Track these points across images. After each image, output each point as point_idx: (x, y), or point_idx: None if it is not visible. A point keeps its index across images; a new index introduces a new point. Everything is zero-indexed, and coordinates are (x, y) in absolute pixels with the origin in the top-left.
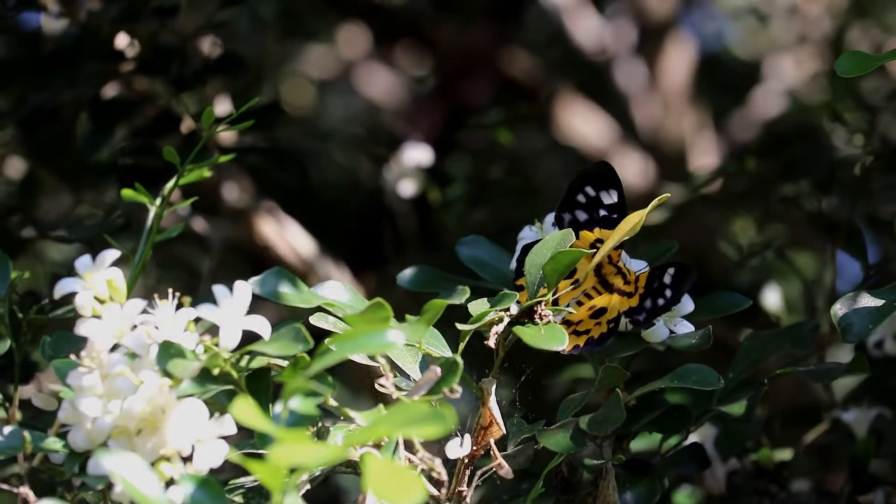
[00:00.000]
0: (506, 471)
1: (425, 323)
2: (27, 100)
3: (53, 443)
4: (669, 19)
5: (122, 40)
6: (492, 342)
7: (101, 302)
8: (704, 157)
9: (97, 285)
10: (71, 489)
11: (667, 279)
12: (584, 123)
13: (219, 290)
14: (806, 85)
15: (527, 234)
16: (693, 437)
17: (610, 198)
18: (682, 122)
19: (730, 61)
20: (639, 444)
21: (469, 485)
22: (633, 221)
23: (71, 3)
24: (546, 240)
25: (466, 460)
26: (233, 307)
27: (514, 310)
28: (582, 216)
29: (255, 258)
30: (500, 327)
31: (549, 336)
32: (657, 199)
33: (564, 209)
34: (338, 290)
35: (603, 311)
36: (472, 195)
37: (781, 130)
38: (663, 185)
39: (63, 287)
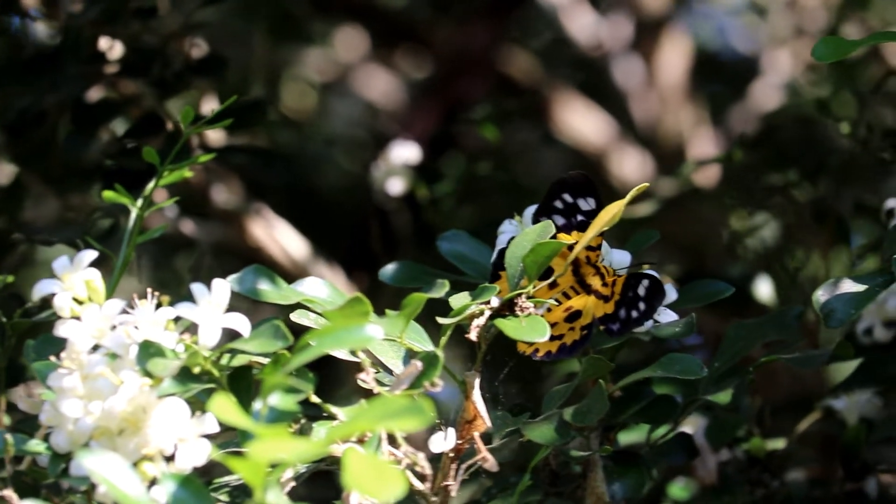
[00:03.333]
0: (491, 464)
1: (405, 317)
2: (10, 104)
3: (36, 445)
4: (665, 14)
5: (105, 43)
6: (473, 335)
7: (80, 303)
8: (703, 151)
9: (75, 286)
10: (59, 492)
11: (641, 290)
12: (581, 120)
13: (197, 288)
14: (804, 77)
15: (507, 228)
16: (687, 428)
17: (588, 205)
18: (679, 117)
19: (728, 55)
20: (630, 436)
21: (455, 479)
22: (612, 212)
23: (52, 6)
24: (526, 232)
25: (451, 454)
26: (211, 305)
27: (495, 303)
28: (559, 220)
29: (247, 260)
30: (481, 320)
31: (531, 328)
32: (635, 188)
33: (542, 213)
34: (317, 287)
35: (578, 314)
36: (461, 192)
37: (777, 122)
38: (662, 181)
39: (41, 288)
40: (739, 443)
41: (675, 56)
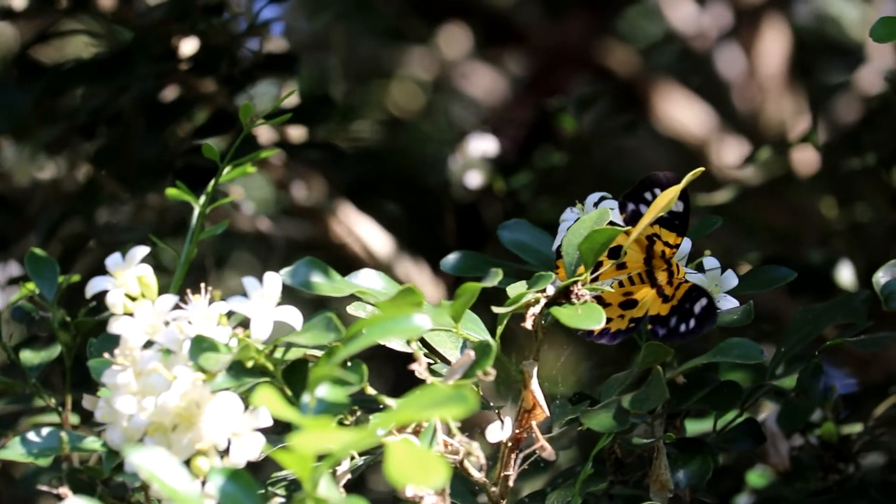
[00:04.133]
0: (549, 453)
1: (460, 307)
2: (83, 105)
3: (92, 442)
4: (764, 2)
5: (185, 42)
6: (528, 324)
7: (133, 299)
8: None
9: (128, 283)
10: (118, 489)
11: (696, 308)
12: (682, 111)
13: (248, 282)
14: None
15: (568, 216)
16: (763, 415)
17: (676, 206)
18: (781, 106)
19: (835, 43)
20: (702, 424)
21: (514, 468)
22: (668, 197)
23: (126, 6)
24: (583, 219)
25: (510, 444)
26: (263, 299)
27: (551, 291)
28: (645, 209)
29: (332, 257)
30: (536, 308)
31: (587, 315)
32: (690, 173)
33: (631, 198)
34: (371, 278)
35: (634, 303)
36: (547, 184)
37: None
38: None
39: (94, 286)
40: (813, 428)
41: (775, 45)
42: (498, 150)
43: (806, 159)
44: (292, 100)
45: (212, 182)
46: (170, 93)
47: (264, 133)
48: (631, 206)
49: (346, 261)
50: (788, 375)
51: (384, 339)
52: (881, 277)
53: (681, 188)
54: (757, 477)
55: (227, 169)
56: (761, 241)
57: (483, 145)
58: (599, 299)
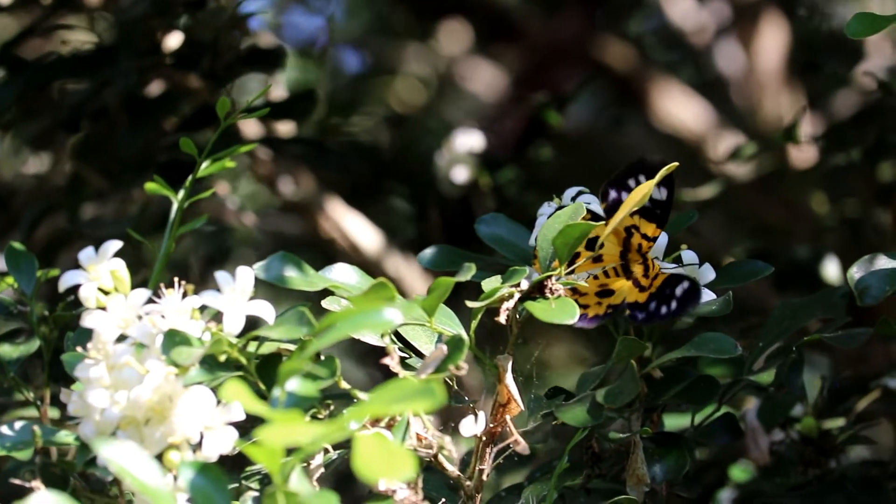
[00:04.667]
0: (523, 447)
1: (432, 301)
2: (65, 100)
3: (65, 436)
4: None
5: (170, 37)
6: (503, 318)
7: (106, 293)
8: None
9: (101, 277)
10: (104, 485)
11: (678, 291)
12: (680, 108)
13: (221, 276)
14: None
15: (545, 210)
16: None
17: (659, 194)
18: (779, 102)
19: (833, 39)
20: (682, 419)
21: (488, 463)
22: (642, 192)
23: (110, 1)
24: (557, 214)
25: (484, 438)
26: (235, 293)
27: (525, 285)
28: (624, 198)
29: (323, 253)
30: (510, 303)
31: (560, 310)
32: (665, 168)
33: (613, 185)
34: (345, 273)
35: (610, 293)
36: (527, 179)
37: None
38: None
39: (67, 280)
40: (794, 423)
41: (773, 41)
42: (485, 145)
43: (801, 155)
44: (279, 94)
45: (190, 177)
46: (156, 88)
47: (251, 127)
48: (613, 195)
49: (337, 256)
50: (767, 370)
51: (356, 332)
52: (855, 273)
53: (655, 182)
54: (740, 471)
55: (205, 163)
56: (752, 236)
57: (469, 140)
58: (575, 289)
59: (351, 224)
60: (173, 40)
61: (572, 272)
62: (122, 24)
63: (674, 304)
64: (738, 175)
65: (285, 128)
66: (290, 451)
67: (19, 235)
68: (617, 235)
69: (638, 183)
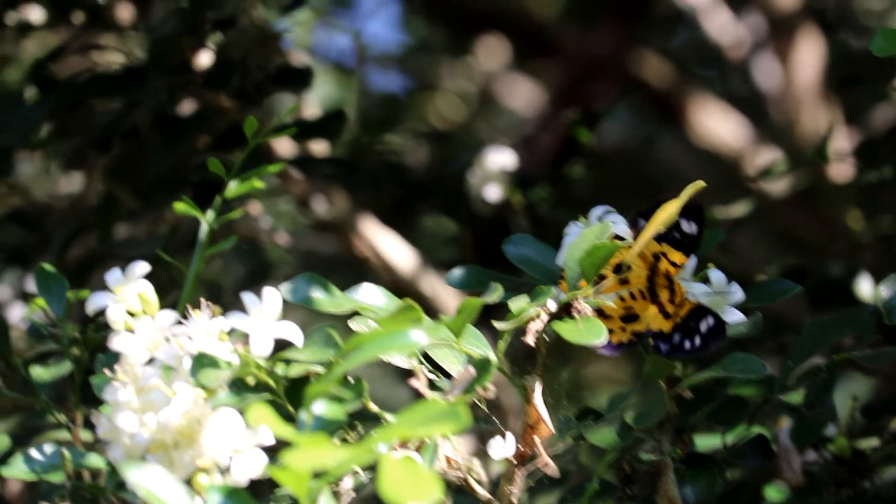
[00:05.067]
0: (552, 469)
1: (460, 322)
2: (97, 119)
3: (95, 460)
4: (798, 13)
5: (201, 55)
6: (529, 339)
7: (134, 315)
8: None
9: (129, 299)
10: None
11: (703, 327)
12: (718, 123)
13: (248, 297)
14: None
15: (572, 230)
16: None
17: (689, 228)
18: (817, 118)
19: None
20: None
21: (519, 485)
22: (668, 212)
23: (141, 19)
24: (584, 233)
25: (515, 460)
26: (262, 315)
27: (553, 306)
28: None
29: (357, 272)
30: (537, 323)
31: (588, 330)
32: (690, 186)
33: (643, 214)
34: (372, 294)
35: (635, 318)
36: (561, 197)
37: None
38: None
39: (94, 302)
40: (827, 443)
41: (810, 55)
42: (520, 162)
43: (838, 171)
44: (312, 113)
45: (218, 197)
46: (188, 106)
47: (284, 146)
48: (642, 223)
49: (371, 275)
50: (796, 389)
51: (382, 354)
52: (884, 291)
53: (682, 202)
54: (775, 492)
55: (234, 183)
56: (788, 253)
57: (501, 158)
58: (601, 312)
59: (384, 243)
60: (204, 59)
61: (598, 293)
62: (152, 43)
63: (697, 341)
64: (773, 191)
65: (319, 147)
66: (317, 475)
67: (51, 256)
68: (645, 260)
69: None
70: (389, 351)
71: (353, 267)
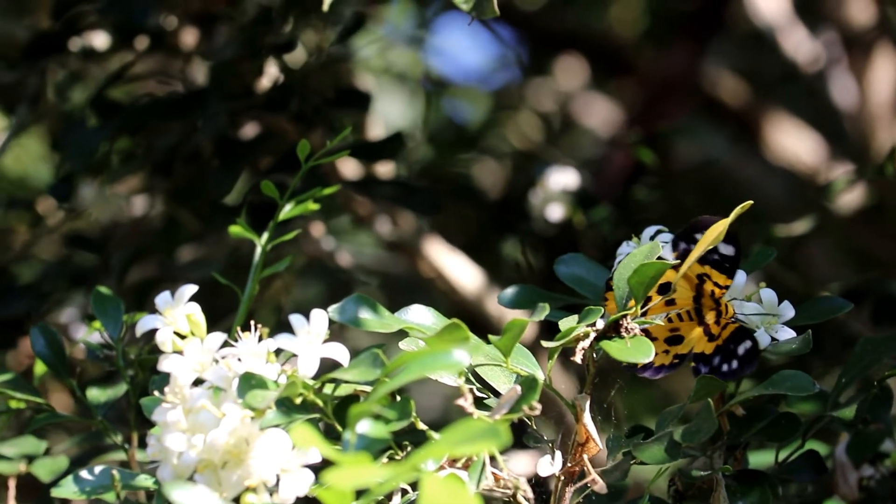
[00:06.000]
0: (600, 486)
1: (507, 341)
2: (158, 143)
3: (144, 480)
4: (873, 29)
5: (262, 79)
6: (578, 357)
7: (183, 337)
8: None
9: (177, 321)
10: None
11: (740, 350)
12: (794, 141)
13: (295, 319)
14: None
15: (624, 250)
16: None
17: (726, 250)
18: (893, 134)
19: None
20: (765, 456)
21: (567, 502)
22: (717, 231)
23: (202, 44)
24: (633, 253)
25: (563, 478)
26: (310, 336)
27: (601, 324)
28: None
29: (421, 292)
30: (586, 342)
31: (636, 349)
32: (739, 207)
33: (683, 238)
34: (421, 314)
35: (680, 339)
36: (629, 217)
37: None
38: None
39: (144, 324)
40: (884, 458)
41: (885, 73)
42: (592, 183)
43: None
44: (377, 134)
45: (273, 219)
46: (251, 130)
47: (349, 168)
48: (683, 245)
49: (437, 295)
50: (849, 406)
51: (426, 373)
52: None
53: (729, 222)
54: None
55: (289, 206)
56: (861, 270)
57: (564, 178)
58: (646, 333)
59: (450, 264)
60: (266, 83)
61: (646, 313)
62: (212, 68)
63: (734, 364)
64: (841, 208)
65: (384, 168)
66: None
67: (112, 279)
68: (689, 282)
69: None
70: (433, 370)
71: (422, 288)
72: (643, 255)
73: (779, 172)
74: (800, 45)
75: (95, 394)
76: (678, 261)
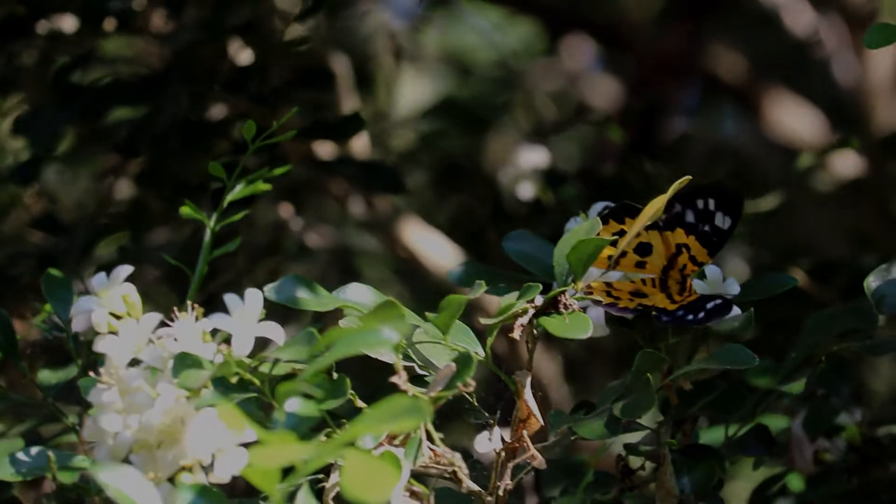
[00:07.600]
0: (539, 462)
1: (445, 318)
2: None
3: (80, 461)
4: (872, 8)
5: (243, 55)
6: (516, 334)
7: (118, 318)
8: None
9: (113, 302)
10: None
11: (709, 304)
12: (793, 118)
13: (230, 298)
14: None
15: (571, 226)
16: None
17: (722, 222)
18: (892, 111)
19: None
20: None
21: (508, 479)
22: (656, 207)
23: (166, 25)
24: (573, 230)
25: (503, 454)
26: (244, 315)
27: (540, 301)
28: (689, 217)
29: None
30: (524, 319)
31: (574, 325)
32: (677, 182)
33: (681, 201)
34: (359, 293)
35: (643, 295)
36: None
37: None
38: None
39: (80, 306)
40: (840, 431)
41: (886, 50)
42: (590, 158)
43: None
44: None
45: (223, 200)
46: (217, 112)
47: (324, 148)
48: (677, 208)
49: (416, 274)
50: (797, 380)
51: (356, 351)
52: (872, 282)
53: (666, 197)
54: (797, 481)
55: (238, 186)
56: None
57: (534, 156)
58: (609, 287)
59: (427, 243)
60: (227, 64)
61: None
62: (174, 50)
63: (700, 315)
64: (818, 186)
65: (361, 147)
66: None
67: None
68: (667, 248)
69: (706, 205)
70: (363, 347)
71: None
72: (583, 232)
73: (774, 148)
74: (800, 21)
75: (47, 375)
76: (666, 227)
